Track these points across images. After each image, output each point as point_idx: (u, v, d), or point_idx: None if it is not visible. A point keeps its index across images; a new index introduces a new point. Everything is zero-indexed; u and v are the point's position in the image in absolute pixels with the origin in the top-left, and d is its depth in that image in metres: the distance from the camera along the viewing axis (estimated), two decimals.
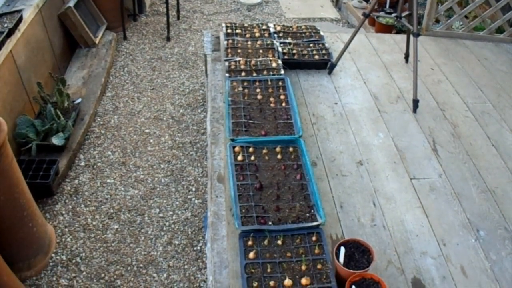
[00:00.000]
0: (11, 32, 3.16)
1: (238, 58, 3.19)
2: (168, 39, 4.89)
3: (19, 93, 3.33)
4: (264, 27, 3.64)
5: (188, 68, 4.44)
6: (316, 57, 3.29)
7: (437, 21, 4.45)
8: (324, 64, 3.29)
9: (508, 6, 3.99)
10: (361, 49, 3.74)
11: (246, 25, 3.68)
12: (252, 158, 2.38)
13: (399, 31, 4.79)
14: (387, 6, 5.31)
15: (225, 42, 3.42)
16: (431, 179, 2.54)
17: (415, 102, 3.07)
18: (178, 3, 5.31)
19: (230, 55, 3.25)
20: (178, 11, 5.33)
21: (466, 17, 4.21)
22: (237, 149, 2.41)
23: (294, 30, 3.66)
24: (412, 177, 2.54)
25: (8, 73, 3.16)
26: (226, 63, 3.14)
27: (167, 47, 4.78)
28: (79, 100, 3.84)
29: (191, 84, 4.22)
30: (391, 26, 4.89)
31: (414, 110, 3.07)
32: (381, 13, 5.11)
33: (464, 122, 3.02)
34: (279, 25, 3.70)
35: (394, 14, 3.37)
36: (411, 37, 3.28)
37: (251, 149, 2.42)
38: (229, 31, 3.57)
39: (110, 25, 4.86)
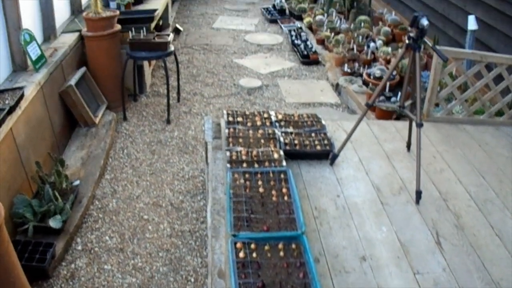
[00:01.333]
0: (12, 110, 3.34)
1: (239, 148, 3.37)
2: (168, 122, 5.12)
3: (17, 171, 3.47)
4: (265, 115, 3.86)
5: (188, 153, 4.62)
6: (318, 147, 3.48)
7: (436, 104, 4.71)
8: (326, 155, 3.48)
9: (507, 89, 4.25)
10: (362, 138, 3.94)
11: (247, 112, 3.90)
12: (254, 255, 2.49)
13: (399, 116, 5.04)
14: (387, 90, 5.63)
15: (227, 131, 3.62)
16: (435, 273, 2.63)
17: (418, 194, 3.21)
18: (178, 85, 5.61)
19: (231, 145, 3.43)
20: (178, 93, 5.61)
21: (466, 100, 4.46)
22: (238, 245, 2.52)
23: (296, 118, 3.88)
24: (415, 272, 2.63)
25: (7, 151, 3.31)
26: (228, 153, 3.31)
27: (167, 130, 5.00)
28: (78, 182, 3.97)
29: (190, 170, 4.38)
30: (391, 111, 5.15)
31: (417, 202, 3.20)
32: (382, 98, 5.43)
33: (467, 212, 3.15)
34: (280, 113, 3.93)
35: (396, 104, 3.60)
36: (414, 126, 3.48)
37: (253, 246, 2.53)
38: (230, 119, 3.78)
39: (110, 104, 5.12)
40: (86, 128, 4.78)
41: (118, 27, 5.07)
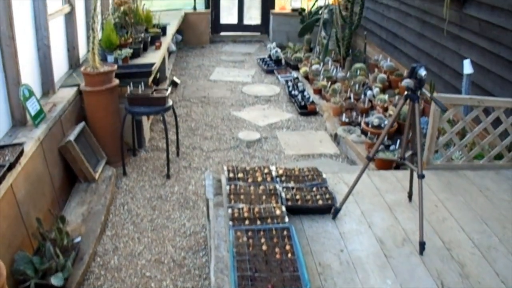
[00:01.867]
0: (12, 166, 3.42)
1: (241, 205, 3.46)
2: (168, 176, 5.23)
3: (18, 227, 3.54)
4: (266, 170, 3.97)
5: (188, 208, 4.71)
6: (320, 202, 3.58)
7: (435, 151, 4.83)
8: (328, 209, 3.57)
9: (506, 131, 4.38)
10: (364, 190, 4.04)
11: (248, 168, 4.02)
12: None
13: (399, 164, 5.15)
14: (385, 138, 5.77)
15: (228, 187, 3.72)
16: None
17: (422, 245, 3.29)
18: (177, 139, 5.75)
19: (233, 202, 3.53)
20: (177, 147, 5.74)
21: (465, 145, 4.59)
22: None
23: (297, 173, 3.99)
24: None
25: (7, 208, 3.38)
26: (229, 210, 3.40)
27: (167, 185, 5.10)
28: (79, 239, 4.04)
29: (192, 225, 4.46)
30: (391, 161, 5.27)
31: (421, 253, 3.28)
32: (381, 147, 5.56)
33: (471, 261, 3.22)
34: (281, 168, 4.04)
35: (397, 155, 3.71)
36: (415, 176, 3.58)
37: None
38: (231, 175, 3.89)
39: (109, 159, 5.24)
40: (86, 184, 4.88)
41: (116, 81, 5.25)
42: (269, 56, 9.42)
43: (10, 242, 3.40)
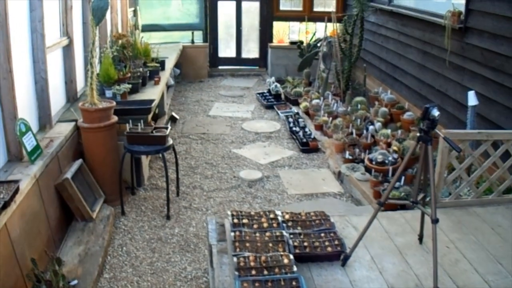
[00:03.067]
0: (6, 205, 3.36)
1: (247, 254, 3.39)
2: (168, 217, 5.16)
3: (11, 267, 3.46)
4: (271, 215, 3.91)
5: (189, 251, 4.62)
6: (329, 249, 3.51)
7: None
8: (338, 256, 3.50)
9: None
10: (372, 233, 3.98)
11: (252, 213, 3.95)
12: None
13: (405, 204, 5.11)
14: (390, 174, 5.74)
15: (232, 234, 3.64)
16: None
17: None
18: (177, 178, 5.69)
19: (238, 249, 3.46)
20: (177, 186, 5.68)
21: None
22: None
23: (303, 217, 3.94)
24: None
25: (1, 247, 3.31)
26: (235, 259, 3.32)
27: (167, 226, 5.02)
28: (75, 281, 3.95)
29: (193, 270, 4.37)
30: (398, 199, 5.21)
31: None
32: (387, 185, 5.51)
33: None
34: (287, 213, 3.98)
35: (411, 200, 3.67)
36: (426, 219, 3.52)
37: None
38: (235, 220, 3.82)
39: (108, 197, 5.19)
40: (83, 223, 4.80)
41: (114, 118, 5.22)
42: (269, 91, 9.45)
43: (3, 283, 3.31)
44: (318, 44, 10.04)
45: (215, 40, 11.08)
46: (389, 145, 6.55)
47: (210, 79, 10.89)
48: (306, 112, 8.29)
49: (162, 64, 7.96)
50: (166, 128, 5.28)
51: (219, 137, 7.42)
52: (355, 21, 8.57)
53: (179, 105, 8.95)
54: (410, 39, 7.63)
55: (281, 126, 7.95)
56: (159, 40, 10.22)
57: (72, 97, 5.99)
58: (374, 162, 6.08)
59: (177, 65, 9.76)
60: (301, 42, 10.80)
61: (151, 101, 5.82)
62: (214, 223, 4.07)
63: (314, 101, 8.47)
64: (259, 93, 9.56)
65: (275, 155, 6.82)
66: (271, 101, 9.00)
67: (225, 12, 11.06)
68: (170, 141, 5.24)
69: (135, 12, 9.68)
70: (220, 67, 11.37)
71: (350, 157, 6.38)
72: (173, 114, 8.09)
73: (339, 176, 6.24)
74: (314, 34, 10.21)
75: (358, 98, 8.38)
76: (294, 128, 7.53)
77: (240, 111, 8.68)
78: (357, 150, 6.60)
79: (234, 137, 7.46)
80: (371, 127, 7.23)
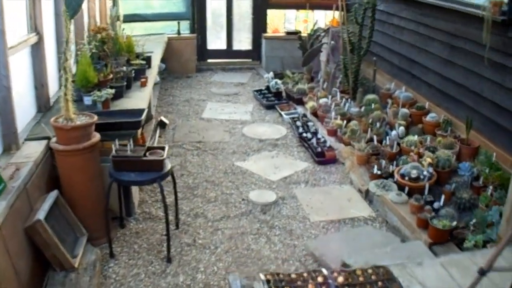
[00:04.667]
0: None
1: None
2: (169, 260, 4.05)
3: None
4: (320, 278, 2.86)
5: None
6: None
7: None
8: None
9: None
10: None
11: (293, 275, 2.88)
12: None
13: (459, 236, 4.13)
14: (426, 191, 4.76)
15: None
16: None
17: None
18: (176, 206, 4.57)
19: None
20: (176, 216, 4.57)
21: None
22: None
23: (361, 278, 2.89)
24: None
25: None
26: None
27: (169, 273, 3.93)
28: None
29: None
30: (449, 230, 4.22)
31: None
32: (427, 208, 4.51)
33: None
34: (339, 272, 2.90)
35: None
36: None
37: None
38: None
39: (91, 235, 4.14)
40: (62, 273, 3.70)
41: (96, 137, 4.08)
42: (267, 88, 8.31)
43: None
44: (321, 35, 8.92)
45: (204, 30, 9.84)
46: (420, 156, 5.52)
47: (198, 74, 9.68)
48: (314, 113, 7.19)
49: (148, 60, 6.76)
50: (163, 148, 4.12)
51: (218, 146, 6.28)
52: (366, 9, 7.46)
53: (167, 106, 7.76)
54: (433, 30, 6.60)
55: (287, 131, 6.84)
56: (141, 31, 9.00)
57: (43, 105, 4.84)
58: (407, 178, 5.07)
59: (162, 59, 8.49)
60: (298, 32, 9.70)
61: (140, 111, 4.65)
62: (239, 285, 2.97)
63: (322, 100, 7.38)
64: (256, 91, 8.41)
65: (286, 168, 5.72)
66: (272, 100, 7.88)
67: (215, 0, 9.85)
68: (168, 165, 4.09)
69: (114, 1, 8.40)
70: (209, 61, 10.15)
71: (379, 172, 5.32)
72: (162, 118, 6.92)
73: (366, 195, 5.18)
74: (316, 24, 9.08)
75: (370, 96, 7.31)
76: (304, 134, 6.42)
77: (238, 113, 7.54)
78: (383, 162, 5.54)
79: (235, 145, 6.33)
80: (393, 133, 6.19)
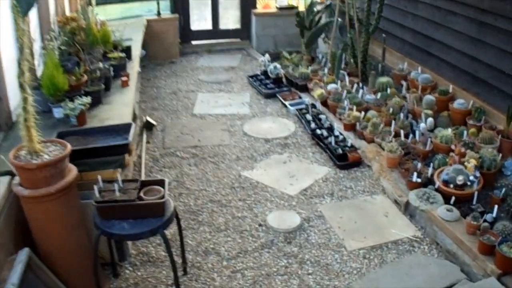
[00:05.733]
0: None
1: None
2: None
3: None
4: None
5: None
6: None
7: None
8: None
9: None
10: None
11: None
12: None
13: None
14: (474, 201, 3.94)
15: None
16: None
17: None
18: (182, 244, 3.56)
19: None
20: (183, 257, 3.59)
21: None
22: None
23: None
24: None
25: None
26: None
27: None
28: None
29: None
30: None
31: None
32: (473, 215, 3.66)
33: None
34: None
35: None
36: None
37: None
38: None
39: None
40: None
41: (72, 172, 3.05)
42: (264, 73, 7.27)
43: None
44: (315, 10, 7.88)
45: (186, 9, 8.66)
46: (463, 155, 4.63)
47: (183, 58, 8.56)
48: (324, 103, 6.20)
49: (127, 52, 5.67)
50: (162, 181, 3.10)
51: (218, 152, 5.27)
52: None
53: (151, 101, 6.69)
54: (455, 4, 5.68)
55: (296, 126, 5.86)
56: (117, 15, 7.83)
57: (5, 122, 3.77)
58: (452, 185, 4.20)
59: (142, 44, 7.33)
60: (293, 7, 8.65)
61: (127, 127, 3.61)
62: None
63: (331, 87, 6.39)
64: (251, 77, 7.37)
65: (304, 176, 4.76)
66: (271, 88, 6.85)
67: None
68: (171, 206, 3.08)
69: None
70: (193, 43, 9.01)
71: (419, 180, 4.40)
72: (148, 118, 5.86)
73: (406, 208, 4.28)
74: None
75: (383, 79, 6.38)
76: (318, 132, 5.44)
77: (234, 105, 6.51)
78: (418, 165, 4.63)
79: (238, 149, 5.33)
80: (421, 126, 5.27)
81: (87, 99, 3.98)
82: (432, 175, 4.50)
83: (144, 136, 5.60)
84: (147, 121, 5.83)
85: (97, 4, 7.48)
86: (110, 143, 3.36)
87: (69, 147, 3.02)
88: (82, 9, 5.44)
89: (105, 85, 4.60)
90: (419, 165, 4.64)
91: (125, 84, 4.82)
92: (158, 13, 8.25)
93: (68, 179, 2.97)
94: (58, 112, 4.01)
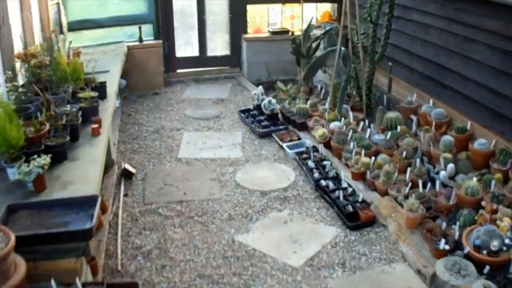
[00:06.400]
0: None
1: None
2: None
3: None
4: None
5: None
6: None
7: None
8: None
9: None
10: None
11: None
12: None
13: None
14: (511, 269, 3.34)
15: None
16: None
17: None
18: None
19: None
20: None
21: None
22: None
23: None
24: None
25: None
26: None
27: None
28: None
29: None
30: None
31: None
32: None
33: None
34: None
35: None
36: None
37: None
38: None
39: None
40: None
41: (20, 269, 2.40)
42: (257, 107, 6.65)
43: None
44: (311, 34, 7.31)
45: (171, 35, 8.00)
46: (494, 211, 4.03)
47: (167, 89, 7.91)
48: (327, 143, 5.57)
49: (101, 89, 5.01)
50: (135, 286, 2.41)
51: (207, 208, 4.60)
52: (381, 3, 5.87)
53: (131, 141, 6.02)
54: (475, 31, 5.14)
55: (296, 173, 5.21)
56: (94, 41, 7.21)
57: None
58: (485, 251, 3.59)
59: (122, 74, 6.67)
60: (288, 31, 8.08)
61: (92, 201, 2.93)
62: None
63: (334, 125, 5.78)
64: (243, 112, 6.73)
65: (309, 241, 4.11)
66: (266, 126, 6.20)
67: None
68: None
69: (59, 6, 6.58)
70: (179, 71, 8.35)
71: (447, 247, 3.76)
72: (127, 166, 5.19)
73: (432, 281, 3.64)
74: (311, 22, 7.41)
75: (391, 114, 5.80)
76: (323, 182, 4.79)
77: (224, 146, 5.85)
78: (443, 224, 4.01)
79: (231, 204, 4.66)
80: (442, 174, 4.66)
81: (46, 160, 3.30)
82: (460, 236, 3.88)
83: (122, 187, 4.93)
84: (125, 169, 5.15)
85: (73, 29, 6.89)
86: (69, 227, 2.68)
87: (12, 239, 2.34)
88: (47, 41, 4.78)
89: (72, 134, 3.94)
90: (444, 224, 4.03)
91: (96, 133, 4.15)
92: (140, 39, 7.61)
93: (13, 281, 2.30)
94: (13, 173, 3.34)
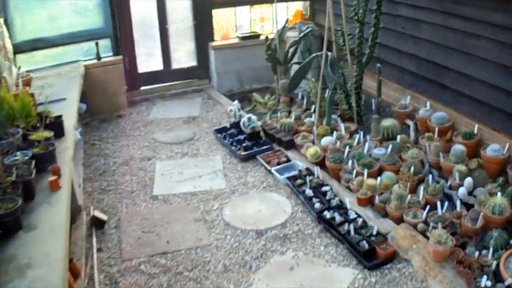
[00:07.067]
0: None
1: None
2: None
3: None
4: None
5: None
6: None
7: None
8: None
9: None
10: None
11: None
12: None
13: None
14: None
15: None
16: None
17: None
18: None
19: None
20: None
21: None
22: None
23: None
24: None
25: None
26: None
27: None
28: None
29: None
30: None
31: None
32: None
33: None
34: None
35: None
36: None
37: None
38: None
39: None
40: None
41: None
42: (235, 125, 6.01)
43: None
44: (285, 37, 6.74)
45: (131, 49, 7.27)
46: None
47: (132, 109, 7.20)
48: (320, 163, 4.99)
49: (57, 126, 4.29)
50: None
51: (197, 260, 3.95)
52: (367, 1, 5.34)
53: (98, 178, 5.31)
54: (479, 25, 4.65)
55: (291, 203, 4.61)
56: (47, 61, 6.45)
57: None
58: None
59: (81, 97, 5.91)
60: (258, 35, 7.49)
61: None
62: None
63: (326, 141, 5.21)
64: (218, 131, 6.07)
65: None
66: (248, 148, 5.55)
67: (142, 6, 7.29)
68: None
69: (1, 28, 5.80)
70: (143, 88, 7.63)
71: (489, 284, 3.23)
72: (96, 214, 4.50)
73: None
74: (286, 23, 6.82)
75: (387, 122, 5.31)
76: (327, 215, 4.20)
77: (204, 176, 5.20)
78: (475, 253, 3.50)
79: (223, 251, 4.03)
80: (460, 191, 4.15)
81: None
82: (497, 265, 3.37)
83: (94, 239, 4.25)
84: (95, 217, 4.46)
85: (23, 51, 6.16)
86: None
87: None
88: None
89: (25, 193, 3.24)
90: (477, 254, 3.51)
91: (54, 187, 3.45)
92: (98, 57, 6.86)
93: None
94: None
